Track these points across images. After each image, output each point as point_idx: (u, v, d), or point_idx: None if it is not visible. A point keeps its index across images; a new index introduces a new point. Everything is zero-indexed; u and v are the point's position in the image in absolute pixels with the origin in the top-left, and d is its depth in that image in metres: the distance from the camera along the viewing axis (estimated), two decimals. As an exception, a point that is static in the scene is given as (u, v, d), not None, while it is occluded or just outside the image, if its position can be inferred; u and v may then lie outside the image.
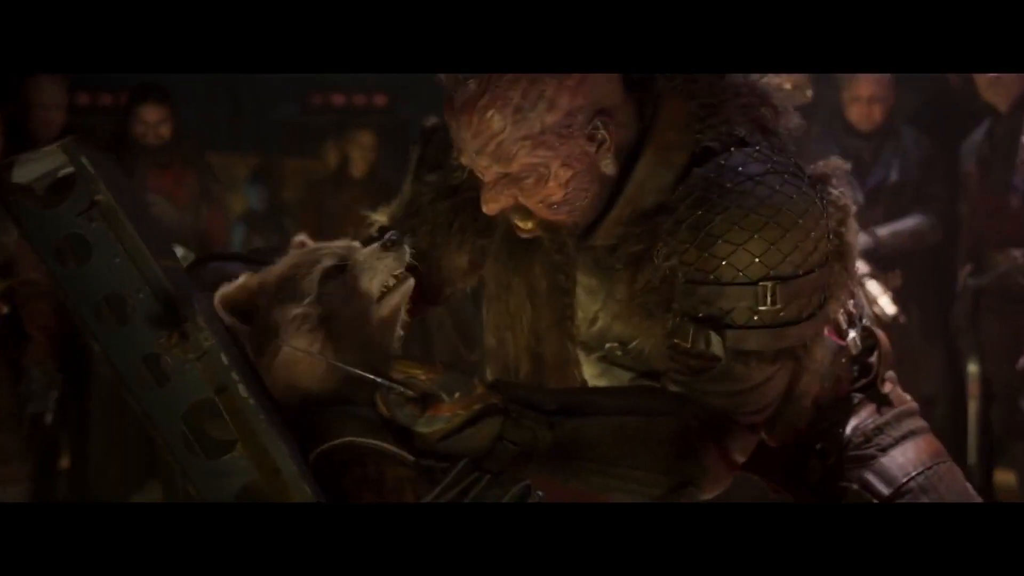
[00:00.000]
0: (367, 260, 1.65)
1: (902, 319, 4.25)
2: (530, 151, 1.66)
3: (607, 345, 1.80)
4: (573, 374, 1.85)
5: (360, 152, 5.47)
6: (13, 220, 1.49)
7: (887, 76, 4.62)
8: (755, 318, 1.66)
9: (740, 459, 1.74)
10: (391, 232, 1.68)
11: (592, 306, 1.80)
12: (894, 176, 4.55)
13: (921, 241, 4.58)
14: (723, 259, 1.65)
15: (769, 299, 1.66)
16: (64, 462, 4.56)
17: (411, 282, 1.68)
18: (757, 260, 1.65)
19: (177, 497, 1.57)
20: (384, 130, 5.90)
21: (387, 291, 1.65)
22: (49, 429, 4.11)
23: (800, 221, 1.66)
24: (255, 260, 1.80)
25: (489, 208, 1.73)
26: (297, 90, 6.92)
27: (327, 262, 1.64)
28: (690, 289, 1.68)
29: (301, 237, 1.74)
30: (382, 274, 1.64)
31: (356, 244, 1.70)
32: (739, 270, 1.66)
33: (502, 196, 1.71)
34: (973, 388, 4.50)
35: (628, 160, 1.72)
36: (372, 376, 1.57)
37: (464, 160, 1.72)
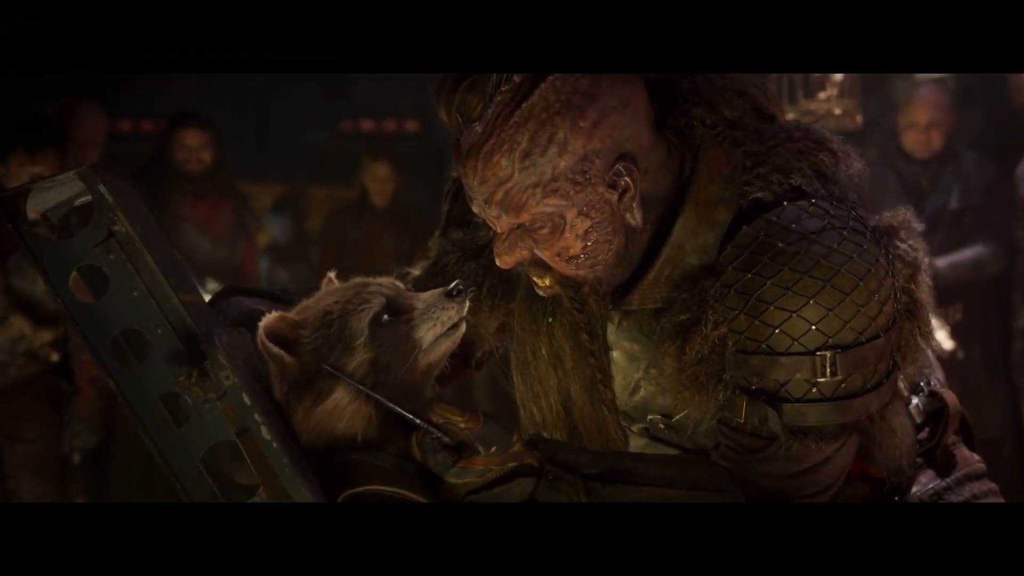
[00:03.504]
0: (429, 310, 1.61)
1: (960, 355, 4.17)
2: (541, 199, 1.59)
3: (649, 417, 1.73)
4: (613, 440, 1.77)
5: (377, 185, 5.47)
6: (26, 250, 1.48)
7: (944, 100, 4.56)
8: (813, 391, 1.58)
9: None
10: (458, 281, 1.63)
11: (633, 373, 1.72)
12: (954, 203, 4.48)
13: (983, 271, 4.50)
14: (776, 327, 1.57)
15: (828, 370, 1.57)
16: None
17: (463, 329, 1.64)
18: (814, 328, 1.56)
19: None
20: (415, 158, 5.91)
21: (438, 338, 1.62)
22: (74, 471, 4.14)
23: (861, 283, 1.57)
24: (281, 299, 1.78)
25: (503, 261, 1.66)
26: (326, 117, 6.97)
27: (377, 303, 1.60)
28: (741, 359, 1.60)
29: (331, 274, 1.71)
30: (441, 325, 1.61)
31: (399, 284, 1.66)
32: (794, 339, 1.57)
33: (516, 248, 1.65)
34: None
35: (664, 217, 1.65)
36: (412, 417, 1.55)
37: (475, 209, 1.66)
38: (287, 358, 1.56)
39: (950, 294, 4.30)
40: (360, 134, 6.79)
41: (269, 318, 1.58)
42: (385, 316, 1.60)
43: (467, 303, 1.62)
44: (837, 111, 4.23)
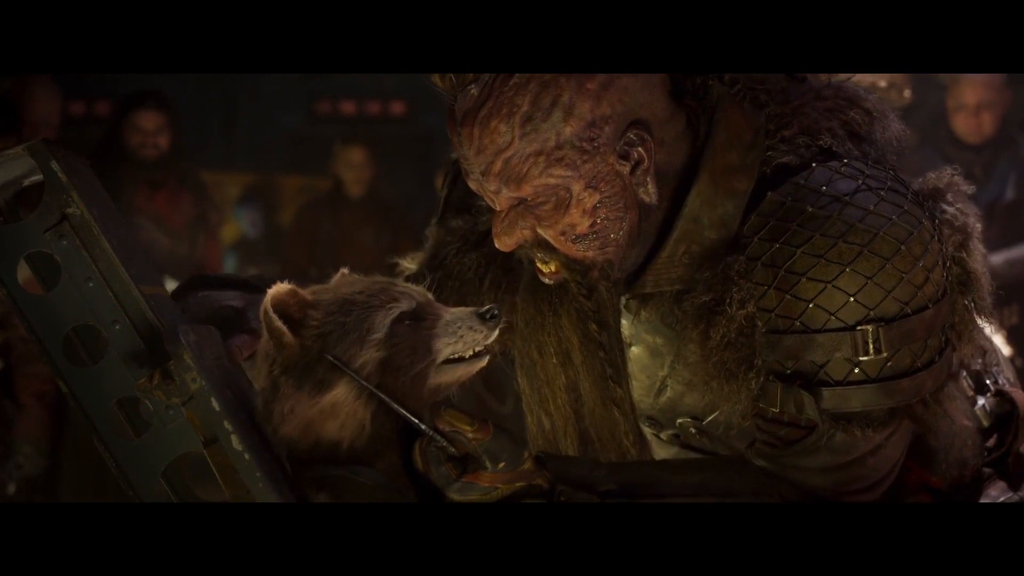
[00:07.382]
0: (453, 325, 1.63)
1: (1020, 362, 4.17)
2: (544, 170, 1.60)
3: (679, 421, 1.73)
4: (625, 446, 1.79)
5: (352, 172, 5.47)
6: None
7: (997, 79, 4.57)
8: (856, 371, 1.58)
9: None
10: (492, 306, 1.64)
11: (658, 371, 1.72)
12: (1011, 192, 4.50)
13: (1043, 269, 4.51)
14: (809, 301, 1.57)
15: (871, 346, 1.57)
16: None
17: (485, 360, 1.65)
18: (852, 300, 1.57)
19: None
20: (402, 143, 5.91)
21: (455, 360, 1.63)
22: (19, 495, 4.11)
23: (903, 247, 1.57)
24: (258, 288, 1.78)
25: (502, 243, 1.67)
26: (302, 98, 6.96)
27: (406, 304, 1.62)
28: (773, 340, 1.60)
29: (344, 270, 1.73)
30: (462, 345, 1.62)
31: (430, 296, 1.68)
32: (831, 313, 1.57)
33: (516, 228, 1.65)
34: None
35: (680, 188, 1.66)
36: (417, 422, 1.56)
37: (472, 185, 1.67)
38: (288, 336, 1.57)
39: (1006, 294, 4.29)
40: (339, 117, 6.78)
41: (278, 287, 1.58)
42: (408, 320, 1.61)
43: (496, 332, 1.63)
44: (882, 83, 4.15)
